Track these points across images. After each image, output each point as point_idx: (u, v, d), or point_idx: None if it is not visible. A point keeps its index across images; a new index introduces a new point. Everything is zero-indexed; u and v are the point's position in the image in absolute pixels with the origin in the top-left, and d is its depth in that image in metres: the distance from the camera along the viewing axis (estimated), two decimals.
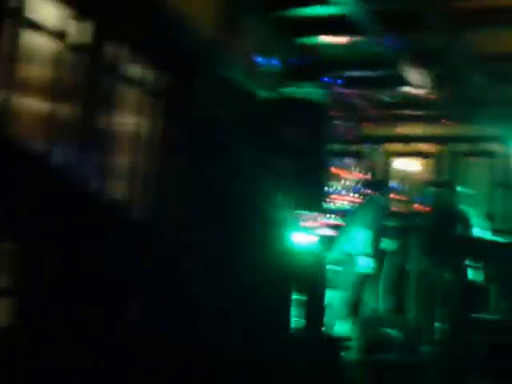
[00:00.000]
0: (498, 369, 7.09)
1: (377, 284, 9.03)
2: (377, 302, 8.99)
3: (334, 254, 8.63)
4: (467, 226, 8.82)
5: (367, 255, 8.86)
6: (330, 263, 8.40)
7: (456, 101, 11.04)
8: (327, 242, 9.18)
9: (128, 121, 4.74)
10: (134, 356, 4.09)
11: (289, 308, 5.47)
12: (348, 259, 8.75)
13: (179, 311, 4.34)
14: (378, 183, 9.85)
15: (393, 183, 10.35)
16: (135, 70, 4.80)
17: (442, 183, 10.40)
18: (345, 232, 8.97)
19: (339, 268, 8.58)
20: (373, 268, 8.85)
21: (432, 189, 9.48)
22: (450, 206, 9.06)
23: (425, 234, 9.07)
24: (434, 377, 7.58)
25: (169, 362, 4.21)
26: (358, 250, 8.79)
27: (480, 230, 8.90)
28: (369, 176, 11.10)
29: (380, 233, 8.95)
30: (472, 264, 8.56)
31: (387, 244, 8.96)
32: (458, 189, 9.26)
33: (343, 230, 9.05)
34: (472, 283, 8.44)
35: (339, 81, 10.15)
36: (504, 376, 6.97)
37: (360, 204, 9.26)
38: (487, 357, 7.21)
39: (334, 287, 8.47)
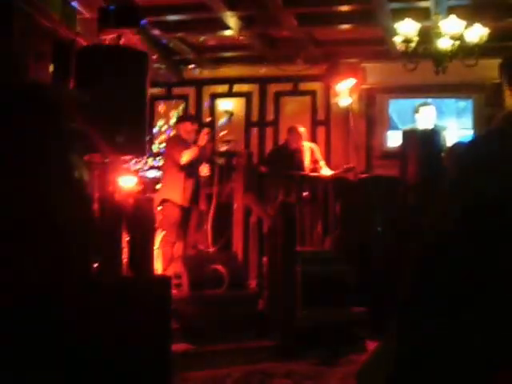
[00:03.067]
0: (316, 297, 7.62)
1: (202, 221, 9.28)
2: (205, 239, 9.26)
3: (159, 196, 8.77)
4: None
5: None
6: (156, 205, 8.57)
7: (267, 42, 11.32)
8: (153, 183, 9.33)
9: None
10: None
11: (118, 252, 5.55)
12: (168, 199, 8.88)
13: None
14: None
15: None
16: None
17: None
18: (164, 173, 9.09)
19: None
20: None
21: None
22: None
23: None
24: (261, 308, 7.97)
25: None
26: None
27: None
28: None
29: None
30: None
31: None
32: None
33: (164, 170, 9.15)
34: None
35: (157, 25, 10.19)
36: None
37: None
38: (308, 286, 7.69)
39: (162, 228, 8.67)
